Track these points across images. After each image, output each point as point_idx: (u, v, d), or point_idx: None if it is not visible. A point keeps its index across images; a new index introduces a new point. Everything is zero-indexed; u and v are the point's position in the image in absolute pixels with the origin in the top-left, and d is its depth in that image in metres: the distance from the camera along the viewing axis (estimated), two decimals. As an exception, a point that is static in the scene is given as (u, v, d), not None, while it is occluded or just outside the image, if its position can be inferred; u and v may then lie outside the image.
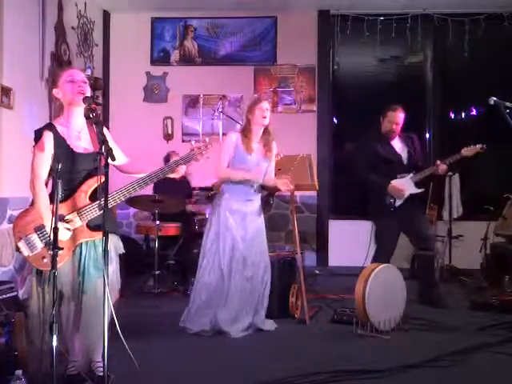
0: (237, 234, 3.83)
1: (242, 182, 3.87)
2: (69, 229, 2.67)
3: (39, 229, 2.67)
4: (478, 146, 4.45)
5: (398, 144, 4.71)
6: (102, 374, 2.82)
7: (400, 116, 4.64)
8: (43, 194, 2.70)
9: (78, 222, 2.70)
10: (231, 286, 3.78)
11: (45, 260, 2.65)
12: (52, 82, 2.87)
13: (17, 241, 2.69)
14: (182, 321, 3.87)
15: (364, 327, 3.75)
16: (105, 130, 2.81)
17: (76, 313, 2.81)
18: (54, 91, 2.82)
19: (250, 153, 3.89)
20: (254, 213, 3.96)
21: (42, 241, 2.67)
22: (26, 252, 2.67)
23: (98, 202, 2.65)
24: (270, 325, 3.95)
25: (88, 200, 2.73)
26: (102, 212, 2.54)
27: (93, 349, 2.84)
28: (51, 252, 2.50)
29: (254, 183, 3.91)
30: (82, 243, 2.76)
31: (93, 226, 2.72)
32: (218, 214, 3.88)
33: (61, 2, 5.67)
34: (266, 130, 3.97)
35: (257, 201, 4.00)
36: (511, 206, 5.68)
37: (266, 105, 3.95)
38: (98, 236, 2.69)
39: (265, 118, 3.90)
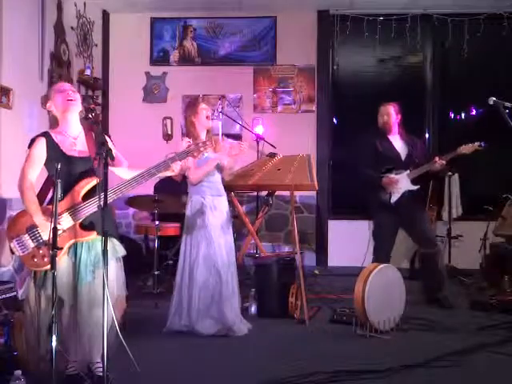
0: (212, 234, 3.83)
1: (209, 178, 3.89)
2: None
3: (30, 229, 2.71)
4: (475, 143, 4.45)
5: (398, 142, 4.71)
6: (101, 374, 2.84)
7: (390, 108, 4.69)
8: (31, 194, 2.76)
9: (68, 222, 2.72)
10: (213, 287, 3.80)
11: (35, 259, 2.70)
12: (46, 98, 3.00)
13: (9, 241, 2.74)
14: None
15: (363, 327, 3.75)
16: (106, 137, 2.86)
17: (71, 314, 2.80)
18: (48, 105, 2.93)
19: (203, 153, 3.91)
20: (223, 209, 3.96)
21: (33, 241, 2.71)
22: (17, 252, 2.73)
23: (89, 201, 2.72)
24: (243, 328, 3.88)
25: (80, 200, 2.75)
26: (94, 212, 2.63)
27: (90, 350, 2.84)
28: (41, 252, 2.61)
29: (219, 167, 3.95)
30: (77, 244, 2.77)
31: (86, 226, 2.74)
32: (194, 218, 3.87)
33: (60, 2, 5.67)
34: (207, 132, 4.01)
35: (225, 197, 4.03)
36: (510, 206, 5.68)
37: (205, 105, 4.01)
38: (90, 236, 2.73)
39: (208, 118, 3.97)
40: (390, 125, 4.70)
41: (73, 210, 2.73)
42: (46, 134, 2.86)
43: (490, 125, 5.22)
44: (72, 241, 2.74)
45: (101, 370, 2.90)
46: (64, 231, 2.69)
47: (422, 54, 7.05)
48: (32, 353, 2.81)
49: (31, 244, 2.71)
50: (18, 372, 2.49)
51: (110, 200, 2.74)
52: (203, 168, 3.89)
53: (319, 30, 6.92)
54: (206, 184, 3.91)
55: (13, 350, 2.97)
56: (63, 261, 2.73)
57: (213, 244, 3.81)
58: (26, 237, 2.71)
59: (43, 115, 5.19)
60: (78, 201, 2.74)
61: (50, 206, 2.61)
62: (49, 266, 2.58)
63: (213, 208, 3.89)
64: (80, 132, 2.91)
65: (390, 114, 4.69)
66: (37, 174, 2.82)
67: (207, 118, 3.97)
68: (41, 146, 2.81)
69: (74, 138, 2.88)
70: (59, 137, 2.86)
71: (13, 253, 2.75)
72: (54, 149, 2.81)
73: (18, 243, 2.72)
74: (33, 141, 2.84)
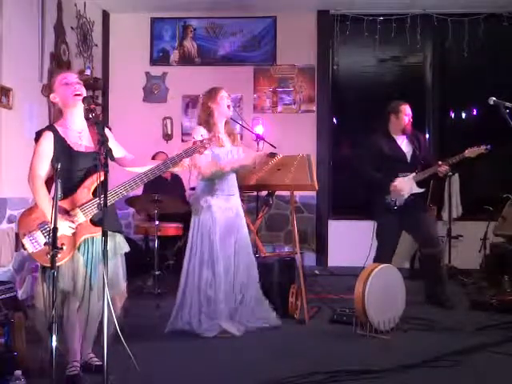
0: (219, 234, 3.76)
1: (221, 178, 3.76)
2: (72, 222, 2.69)
3: (42, 225, 2.72)
4: (482, 147, 4.41)
5: (403, 142, 4.66)
6: (98, 363, 2.86)
7: (409, 108, 4.63)
8: (42, 190, 2.74)
9: (81, 218, 2.73)
10: (222, 287, 3.76)
11: (48, 256, 2.67)
12: (49, 88, 2.95)
13: (21, 238, 2.74)
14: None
15: (363, 327, 3.75)
16: (106, 130, 2.86)
17: (79, 310, 2.81)
18: (51, 96, 2.90)
19: (222, 145, 3.78)
20: (233, 209, 3.87)
21: (45, 237, 2.71)
22: (30, 249, 2.72)
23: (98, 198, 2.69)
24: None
25: (91, 196, 2.76)
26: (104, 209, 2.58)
27: (88, 343, 2.89)
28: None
29: (230, 174, 3.81)
30: (88, 240, 2.79)
31: (96, 222, 2.75)
32: (200, 217, 3.78)
33: (60, 2, 5.67)
34: (227, 123, 3.88)
35: (237, 194, 3.92)
36: (510, 206, 5.67)
37: (225, 93, 3.83)
38: (100, 232, 2.72)
39: (229, 107, 3.81)
40: (410, 126, 4.64)
41: (84, 207, 2.74)
42: (52, 128, 2.84)
43: (490, 125, 5.22)
44: (84, 236, 2.76)
45: (96, 359, 2.96)
46: (76, 227, 2.71)
47: (422, 54, 7.05)
48: (37, 351, 2.83)
49: (43, 240, 2.72)
50: (18, 372, 2.49)
51: (120, 196, 2.77)
52: (217, 165, 3.70)
53: (319, 30, 6.92)
54: (217, 181, 3.78)
55: (13, 350, 2.97)
56: (75, 256, 2.76)
57: (217, 246, 3.74)
58: (38, 233, 2.72)
59: (43, 115, 5.22)
60: (89, 197, 2.76)
61: (60, 203, 2.60)
62: (62, 262, 2.60)
63: (222, 208, 3.79)
64: (84, 125, 2.89)
65: (410, 115, 4.61)
66: (46, 169, 2.79)
67: (228, 106, 3.79)
68: (48, 140, 2.79)
69: (79, 132, 2.87)
70: (64, 131, 2.84)
71: (25, 249, 2.75)
72: (60, 144, 2.80)
73: (30, 239, 2.72)
74: (39, 135, 2.82)
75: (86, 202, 2.74)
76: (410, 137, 4.68)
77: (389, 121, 4.69)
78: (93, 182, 2.76)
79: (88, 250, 2.80)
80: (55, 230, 2.47)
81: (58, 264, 2.63)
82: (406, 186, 4.54)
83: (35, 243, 2.72)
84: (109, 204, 2.52)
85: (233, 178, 3.90)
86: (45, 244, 2.70)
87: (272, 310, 3.97)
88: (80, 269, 2.78)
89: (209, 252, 3.76)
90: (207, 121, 3.79)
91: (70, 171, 2.77)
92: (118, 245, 2.90)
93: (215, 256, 3.75)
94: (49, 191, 2.79)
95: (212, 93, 3.83)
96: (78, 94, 2.80)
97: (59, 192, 2.57)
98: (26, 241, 2.73)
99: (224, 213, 3.81)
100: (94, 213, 2.74)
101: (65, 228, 2.65)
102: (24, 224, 2.75)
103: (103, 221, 2.40)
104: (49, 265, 2.68)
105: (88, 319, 2.80)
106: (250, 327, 3.81)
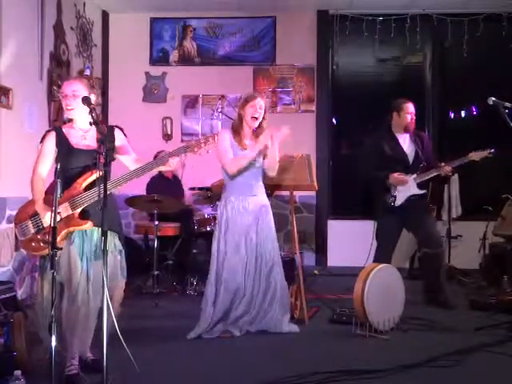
0: (242, 235, 3.75)
1: (243, 177, 3.73)
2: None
3: (33, 216, 2.85)
4: (486, 150, 4.39)
5: (406, 142, 4.62)
6: (95, 358, 2.87)
7: (412, 106, 4.58)
8: (37, 184, 2.88)
9: (67, 211, 2.79)
10: (241, 288, 3.75)
11: (33, 244, 2.83)
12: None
13: (14, 227, 2.92)
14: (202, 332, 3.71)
15: (363, 327, 3.75)
16: (117, 131, 3.02)
17: (74, 306, 2.81)
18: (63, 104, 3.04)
19: (244, 148, 3.76)
20: (260, 208, 3.81)
21: (34, 227, 2.84)
22: (19, 237, 2.89)
23: (89, 191, 2.80)
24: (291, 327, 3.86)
25: (81, 190, 2.83)
26: (94, 202, 2.73)
27: (86, 342, 2.92)
28: (39, 237, 2.77)
29: (258, 163, 3.75)
30: (76, 233, 2.84)
31: (84, 216, 2.82)
32: (224, 217, 3.76)
33: (60, 2, 5.67)
34: (259, 127, 3.81)
35: (261, 195, 3.86)
36: (510, 206, 5.68)
37: (259, 102, 3.72)
38: (85, 225, 2.82)
39: (255, 119, 3.72)
40: (413, 125, 4.58)
41: (73, 200, 2.80)
42: (56, 129, 2.98)
43: (490, 125, 5.22)
44: (69, 228, 2.81)
45: (93, 357, 3.00)
46: (61, 219, 2.76)
47: (422, 54, 7.05)
48: (35, 349, 2.83)
49: (32, 230, 2.85)
50: (18, 372, 2.49)
51: (108, 191, 2.77)
52: (243, 161, 3.65)
53: (319, 30, 6.92)
54: (239, 181, 3.74)
55: (12, 350, 2.97)
56: (65, 251, 2.79)
57: (234, 249, 3.73)
58: (29, 223, 2.86)
59: (43, 115, 5.22)
60: (78, 191, 2.82)
61: (51, 196, 2.64)
62: (47, 251, 2.63)
63: (240, 209, 3.74)
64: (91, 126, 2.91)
65: (413, 113, 4.56)
66: (48, 167, 2.94)
67: (253, 118, 3.72)
68: (50, 140, 2.92)
69: (84, 132, 2.97)
70: (69, 130, 2.96)
71: (17, 237, 2.93)
72: (62, 142, 2.92)
73: (21, 228, 2.87)
74: (44, 136, 2.96)
75: (75, 196, 2.80)
76: (414, 137, 4.64)
77: (391, 119, 4.65)
78: (85, 178, 2.83)
79: (74, 243, 2.83)
80: (55, 229, 2.47)
81: (42, 252, 2.79)
82: (406, 185, 4.52)
83: (24, 232, 2.85)
84: (96, 200, 2.56)
85: (254, 178, 3.82)
86: (35, 231, 2.81)
87: (286, 314, 3.88)
88: (74, 263, 2.80)
89: (217, 253, 3.76)
90: (237, 125, 3.80)
91: (69, 167, 2.85)
92: (109, 243, 2.87)
93: (222, 258, 3.74)
94: (52, 190, 2.83)
95: (244, 100, 3.80)
96: (69, 109, 2.92)
97: (59, 192, 2.58)
98: (17, 229, 2.89)
99: (239, 214, 3.76)
100: (81, 206, 2.80)
101: (48, 218, 2.72)
102: (19, 214, 2.91)
103: (102, 222, 2.39)
104: (32, 252, 2.89)
105: (80, 316, 2.81)
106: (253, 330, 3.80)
